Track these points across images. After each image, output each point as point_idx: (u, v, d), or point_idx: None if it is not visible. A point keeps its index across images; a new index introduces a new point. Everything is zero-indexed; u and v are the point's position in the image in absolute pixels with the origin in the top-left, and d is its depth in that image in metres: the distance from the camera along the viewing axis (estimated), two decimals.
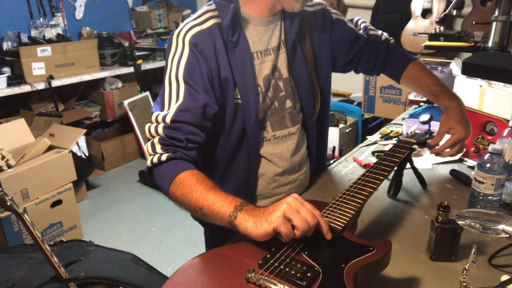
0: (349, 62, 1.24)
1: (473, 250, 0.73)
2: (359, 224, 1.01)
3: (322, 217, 0.76)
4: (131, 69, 3.69)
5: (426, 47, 2.30)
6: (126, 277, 1.69)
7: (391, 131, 1.67)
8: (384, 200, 1.16)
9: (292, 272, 0.68)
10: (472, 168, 1.33)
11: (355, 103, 3.63)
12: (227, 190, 0.84)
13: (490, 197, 1.01)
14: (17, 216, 1.29)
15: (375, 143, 1.60)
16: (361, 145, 1.60)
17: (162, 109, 0.98)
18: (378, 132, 1.72)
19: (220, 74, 1.00)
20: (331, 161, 1.49)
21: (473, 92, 1.36)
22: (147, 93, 3.85)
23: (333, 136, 3.19)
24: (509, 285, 0.73)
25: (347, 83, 3.76)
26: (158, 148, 0.93)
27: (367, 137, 1.68)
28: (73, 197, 2.62)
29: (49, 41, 3.25)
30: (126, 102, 3.53)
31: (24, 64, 2.95)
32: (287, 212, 0.73)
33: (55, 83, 3.13)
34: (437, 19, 2.31)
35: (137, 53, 3.78)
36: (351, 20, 1.26)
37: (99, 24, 3.96)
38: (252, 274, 0.68)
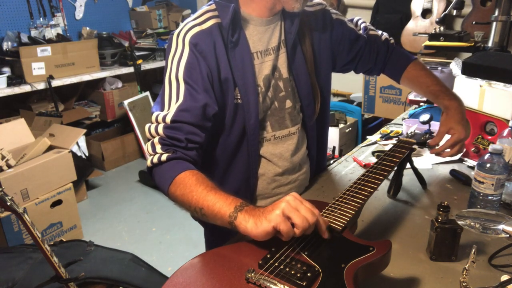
0: (349, 62, 1.25)
1: (473, 250, 0.73)
2: (359, 224, 1.01)
3: (321, 216, 0.76)
4: (131, 69, 3.69)
5: (426, 47, 2.30)
6: (126, 277, 1.69)
7: (391, 131, 1.67)
8: (384, 200, 1.16)
9: (292, 272, 0.68)
10: (472, 168, 1.33)
11: (355, 103, 3.63)
12: (227, 190, 0.84)
13: (490, 197, 1.01)
14: (17, 216, 1.29)
15: (375, 143, 1.60)
16: (361, 145, 1.60)
17: (162, 109, 0.98)
18: (378, 132, 1.72)
19: (220, 74, 1.00)
20: (331, 161, 1.49)
21: (473, 92, 1.36)
22: (147, 93, 3.85)
23: (333, 136, 3.19)
24: (509, 285, 0.73)
25: (347, 83, 3.76)
26: (158, 148, 0.93)
27: (367, 137, 1.68)
28: (73, 197, 2.62)
29: (49, 41, 3.25)
30: (126, 102, 3.53)
31: (24, 64, 2.95)
32: (286, 210, 0.73)
33: (55, 83, 3.13)
34: (437, 19, 2.31)
35: (137, 53, 3.78)
36: (351, 20, 1.26)
37: (99, 24, 3.96)
38: (252, 274, 0.68)
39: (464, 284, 0.73)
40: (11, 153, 2.33)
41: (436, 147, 1.18)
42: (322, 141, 1.28)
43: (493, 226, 0.85)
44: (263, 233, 0.73)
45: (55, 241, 1.89)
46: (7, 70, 3.02)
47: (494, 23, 2.01)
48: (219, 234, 1.09)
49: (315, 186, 1.26)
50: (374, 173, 0.97)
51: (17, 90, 2.92)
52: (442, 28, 2.21)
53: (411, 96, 2.10)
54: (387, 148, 1.38)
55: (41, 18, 3.47)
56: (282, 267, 0.70)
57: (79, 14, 3.80)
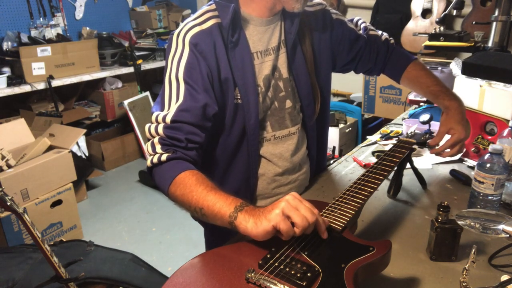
0: (349, 62, 1.25)
1: (473, 250, 0.73)
2: (359, 224, 1.01)
3: (320, 216, 0.76)
4: (131, 69, 3.69)
5: (426, 47, 2.30)
6: (126, 277, 1.69)
7: (391, 131, 1.67)
8: (384, 200, 1.16)
9: (292, 272, 0.68)
10: (472, 168, 1.33)
11: (355, 103, 3.63)
12: (227, 190, 0.84)
13: (490, 197, 1.01)
14: (17, 216, 1.29)
15: (375, 143, 1.60)
16: (361, 145, 1.60)
17: (162, 109, 0.98)
18: (378, 132, 1.72)
19: (220, 74, 1.00)
20: (331, 161, 1.49)
21: (473, 92, 1.36)
22: (147, 93, 3.85)
23: (333, 136, 3.19)
24: (509, 285, 0.73)
25: (347, 83, 3.76)
26: (158, 148, 0.93)
27: (367, 137, 1.68)
28: (73, 197, 2.62)
29: (49, 41, 3.25)
30: (126, 102, 3.53)
31: (24, 64, 2.95)
32: (286, 210, 0.73)
33: (55, 83, 3.13)
34: (437, 19, 2.32)
35: (137, 53, 3.78)
36: (351, 20, 1.26)
37: (99, 24, 3.96)
38: (252, 274, 0.68)
39: (464, 284, 0.73)
40: (11, 153, 2.33)
41: (436, 147, 1.18)
42: (322, 141, 1.28)
43: (493, 226, 0.85)
44: (263, 233, 0.73)
45: (55, 241, 1.89)
46: (7, 70, 3.02)
47: (494, 23, 2.01)
48: (219, 234, 1.09)
49: (315, 186, 1.26)
50: (374, 173, 0.97)
51: (17, 90, 2.92)
52: (442, 28, 2.21)
53: (411, 96, 2.10)
54: (387, 148, 1.38)
55: (41, 18, 3.47)
56: (282, 267, 0.70)
57: (79, 14, 3.80)
